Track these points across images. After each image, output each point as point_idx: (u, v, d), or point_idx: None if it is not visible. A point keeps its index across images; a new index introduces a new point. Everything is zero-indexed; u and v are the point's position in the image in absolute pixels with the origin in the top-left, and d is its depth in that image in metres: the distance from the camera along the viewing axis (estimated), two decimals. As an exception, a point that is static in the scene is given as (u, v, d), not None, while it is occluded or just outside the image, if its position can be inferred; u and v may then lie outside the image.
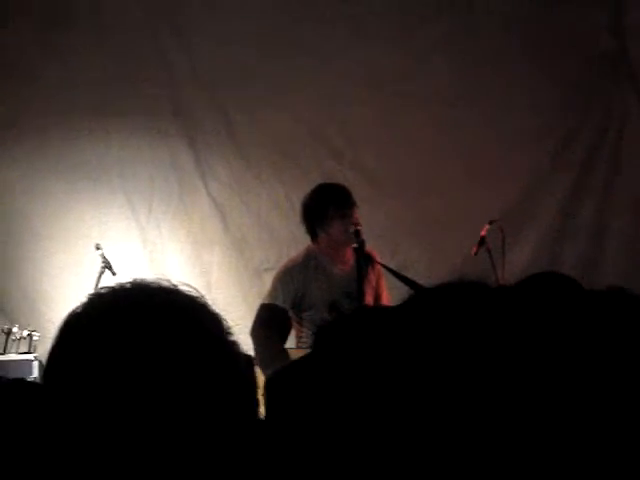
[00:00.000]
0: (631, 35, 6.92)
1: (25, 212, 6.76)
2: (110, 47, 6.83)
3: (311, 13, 6.94)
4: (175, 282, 1.31)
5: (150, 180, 6.88)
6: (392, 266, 5.52)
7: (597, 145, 6.99)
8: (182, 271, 6.64)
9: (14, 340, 6.16)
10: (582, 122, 6.98)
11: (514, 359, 1.10)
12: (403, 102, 6.93)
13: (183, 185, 6.92)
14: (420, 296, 1.22)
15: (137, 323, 1.24)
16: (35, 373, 5.89)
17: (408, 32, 6.96)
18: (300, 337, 5.27)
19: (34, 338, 6.14)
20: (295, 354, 4.85)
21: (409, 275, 5.32)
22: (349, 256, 5.30)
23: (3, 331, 6.18)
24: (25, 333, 6.17)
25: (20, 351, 6.14)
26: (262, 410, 1.41)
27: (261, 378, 4.47)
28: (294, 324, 5.27)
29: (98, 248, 6.16)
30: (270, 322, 5.18)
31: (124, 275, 5.34)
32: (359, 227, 5.22)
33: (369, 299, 5.27)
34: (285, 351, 5.06)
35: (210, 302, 1.31)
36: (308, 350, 1.37)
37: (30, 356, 6.03)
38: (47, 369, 1.27)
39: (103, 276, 6.06)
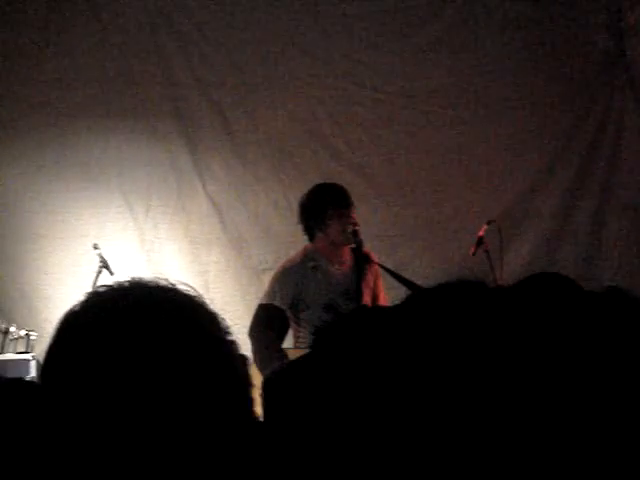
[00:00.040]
0: (630, 35, 6.92)
1: (23, 211, 6.76)
2: (109, 47, 6.83)
3: (311, 13, 6.93)
4: (173, 281, 1.30)
5: (148, 180, 6.88)
6: (390, 266, 5.52)
7: (596, 145, 6.99)
8: (180, 271, 6.63)
9: (11, 339, 6.16)
10: (581, 122, 6.98)
11: (512, 360, 1.10)
12: (403, 102, 6.93)
13: (181, 185, 6.92)
14: (418, 296, 1.22)
15: (135, 321, 1.23)
16: (33, 372, 5.88)
17: (408, 32, 6.96)
18: (298, 337, 5.26)
19: (31, 337, 6.14)
20: (293, 354, 4.85)
21: (407, 275, 5.32)
22: (347, 256, 5.30)
23: (0, 330, 6.17)
24: (23, 332, 6.17)
25: (18, 350, 6.14)
26: (259, 410, 1.41)
27: (259, 378, 4.47)
28: (292, 324, 5.27)
29: (96, 247, 6.17)
30: (268, 322, 5.17)
31: (122, 274, 5.34)
32: (357, 227, 5.22)
33: (367, 299, 5.27)
34: (283, 351, 5.06)
35: (208, 302, 1.31)
36: (306, 350, 1.37)
37: (28, 355, 6.02)
38: (44, 367, 1.27)
39: (101, 275, 6.07)
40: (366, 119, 6.95)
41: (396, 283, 5.23)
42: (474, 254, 5.89)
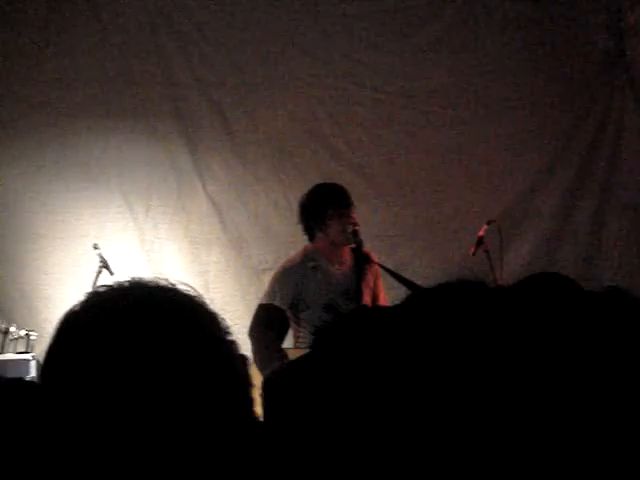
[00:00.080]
0: (630, 35, 6.92)
1: (23, 211, 6.76)
2: (109, 47, 6.83)
3: (311, 13, 6.93)
4: (173, 281, 1.30)
5: (148, 180, 6.88)
6: (390, 266, 5.51)
7: (596, 145, 6.98)
8: (180, 271, 6.63)
9: (12, 339, 6.16)
10: (581, 122, 6.98)
11: (512, 360, 1.10)
12: (402, 102, 6.93)
13: (181, 185, 6.92)
14: (418, 296, 1.22)
15: (135, 321, 1.23)
16: (33, 372, 5.88)
17: (408, 32, 6.96)
18: (298, 337, 5.26)
19: (31, 337, 6.13)
20: (293, 354, 4.85)
21: (407, 275, 5.32)
22: (347, 256, 5.30)
23: (0, 330, 6.17)
24: (23, 332, 6.16)
25: (18, 351, 6.14)
26: (259, 410, 1.41)
27: (259, 378, 4.47)
28: (292, 324, 5.26)
29: (96, 247, 6.17)
30: (268, 322, 5.17)
31: (122, 275, 5.34)
32: (357, 227, 5.22)
33: (367, 299, 5.27)
34: (283, 351, 5.06)
35: (208, 302, 1.31)
36: (306, 350, 1.37)
37: (28, 355, 6.02)
38: (44, 367, 1.27)
39: (101, 275, 6.07)
40: (366, 119, 6.95)
41: (396, 283, 5.23)
42: (474, 254, 5.89)
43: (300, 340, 5.21)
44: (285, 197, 6.80)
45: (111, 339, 1.22)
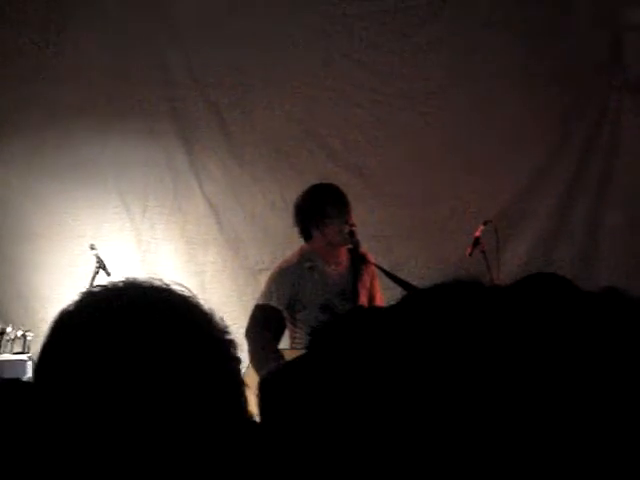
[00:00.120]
0: (628, 35, 6.92)
1: (20, 211, 6.76)
2: (107, 48, 6.82)
3: (309, 13, 6.93)
4: (167, 281, 1.30)
5: (145, 180, 6.88)
6: (386, 267, 5.51)
7: (592, 145, 6.98)
8: (176, 271, 6.63)
9: (8, 340, 6.15)
10: (577, 122, 6.98)
11: (509, 360, 1.10)
12: (400, 102, 6.93)
13: (178, 185, 6.92)
14: (414, 297, 1.22)
15: (129, 322, 1.23)
16: (29, 373, 5.87)
17: (408, 32, 6.95)
18: (294, 338, 5.26)
19: (28, 338, 6.13)
20: (289, 355, 4.84)
21: (403, 276, 5.32)
22: (343, 257, 5.30)
23: (-3, 331, 6.17)
24: (19, 333, 6.16)
25: (14, 351, 6.13)
26: (255, 410, 1.40)
27: (255, 378, 4.46)
28: (288, 325, 5.26)
29: (93, 248, 6.16)
30: (265, 323, 5.17)
31: (118, 275, 5.33)
32: (353, 228, 5.22)
33: (363, 300, 5.26)
34: (279, 352, 5.06)
35: (204, 302, 1.31)
36: (302, 351, 1.37)
37: (24, 356, 6.02)
38: (38, 367, 1.27)
39: (97, 276, 6.06)
40: (364, 120, 6.95)
41: (392, 284, 5.23)
42: (471, 254, 5.89)
43: (296, 341, 5.20)
44: (282, 197, 6.80)
45: (105, 339, 1.22)
